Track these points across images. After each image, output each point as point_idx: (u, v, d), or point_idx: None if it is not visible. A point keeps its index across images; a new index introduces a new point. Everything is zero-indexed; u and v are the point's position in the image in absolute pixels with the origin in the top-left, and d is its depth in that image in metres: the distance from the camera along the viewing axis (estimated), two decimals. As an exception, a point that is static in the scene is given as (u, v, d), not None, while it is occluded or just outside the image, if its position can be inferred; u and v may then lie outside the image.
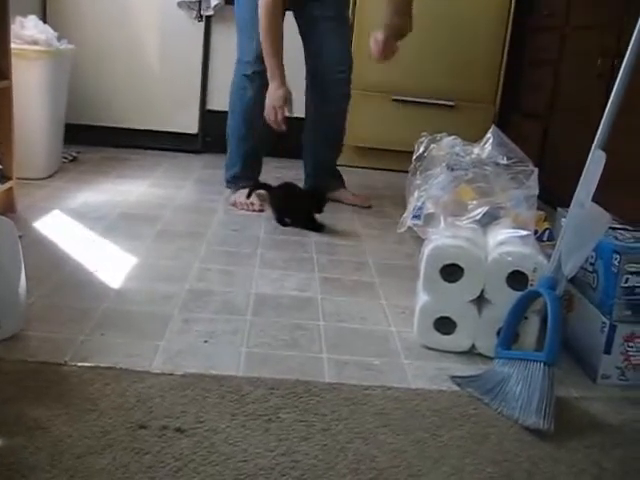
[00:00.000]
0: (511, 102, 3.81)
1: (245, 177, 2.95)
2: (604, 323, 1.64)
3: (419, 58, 3.71)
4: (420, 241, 1.87)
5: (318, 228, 2.58)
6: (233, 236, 2.48)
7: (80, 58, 3.36)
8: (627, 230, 1.74)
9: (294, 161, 3.42)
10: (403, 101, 3.76)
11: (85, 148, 3.52)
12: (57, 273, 1.98)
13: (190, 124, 3.77)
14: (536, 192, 1.76)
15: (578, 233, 1.53)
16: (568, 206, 1.60)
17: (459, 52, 3.74)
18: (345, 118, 3.04)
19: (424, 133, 1.92)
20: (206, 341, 1.65)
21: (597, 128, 1.56)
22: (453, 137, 1.90)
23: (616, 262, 1.62)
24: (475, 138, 1.98)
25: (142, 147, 3.70)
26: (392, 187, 3.43)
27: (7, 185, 2.45)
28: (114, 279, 1.97)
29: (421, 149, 1.89)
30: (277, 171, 3.41)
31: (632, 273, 1.60)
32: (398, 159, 3.64)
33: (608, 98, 1.54)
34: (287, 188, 2.70)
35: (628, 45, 1.51)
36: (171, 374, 1.47)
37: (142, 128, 3.71)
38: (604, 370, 1.66)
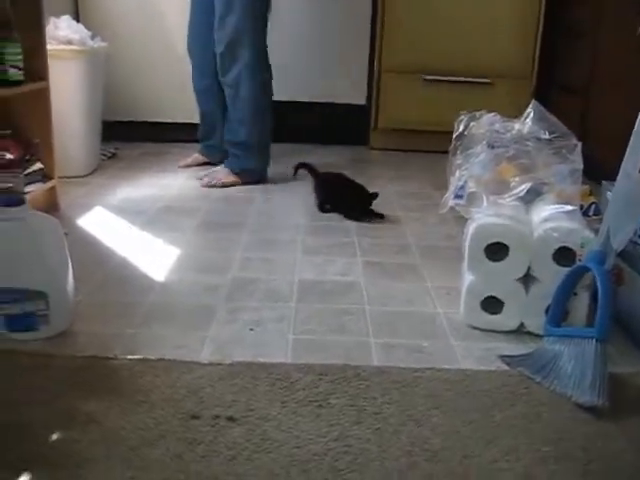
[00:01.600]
0: (549, 76, 3.73)
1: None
2: (656, 296, 1.60)
3: (449, 35, 3.65)
4: (462, 221, 1.84)
5: (377, 216, 2.58)
6: (273, 224, 2.48)
7: (114, 55, 3.38)
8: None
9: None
10: (436, 80, 3.70)
11: (123, 144, 3.55)
12: (102, 269, 2.00)
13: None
14: (580, 166, 1.72)
15: (626, 205, 1.50)
16: (612, 180, 1.56)
17: (491, 27, 3.66)
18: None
19: (463, 111, 1.89)
20: (252, 329, 1.66)
21: (639, 99, 1.51)
22: (493, 114, 1.86)
23: (666, 233, 1.58)
24: (513, 115, 1.94)
25: (180, 140, 3.71)
26: (430, 169, 3.39)
27: (50, 184, 2.48)
28: (158, 272, 1.98)
29: (461, 127, 1.86)
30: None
31: (684, 243, 1.56)
32: (435, 140, 3.59)
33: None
34: (338, 178, 2.71)
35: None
36: (219, 364, 1.48)
37: (179, 121, 3.73)
38: (658, 344, 1.62)
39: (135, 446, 1.20)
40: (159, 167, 3.25)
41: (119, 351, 1.53)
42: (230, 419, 1.28)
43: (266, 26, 2.92)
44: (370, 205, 2.54)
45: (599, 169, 2.10)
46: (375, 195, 2.54)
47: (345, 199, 2.61)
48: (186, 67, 3.60)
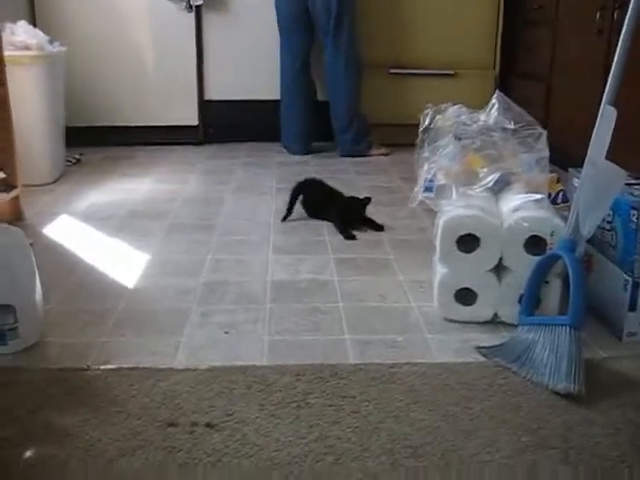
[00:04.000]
0: (511, 65, 3.76)
1: None
2: (626, 281, 1.62)
3: (412, 28, 3.68)
4: (433, 214, 1.84)
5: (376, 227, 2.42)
6: (243, 224, 2.46)
7: (73, 60, 3.33)
8: (642, 185, 1.71)
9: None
10: (401, 74, 3.71)
11: (88, 149, 3.50)
12: (71, 277, 1.97)
13: (190, 116, 3.74)
14: (547, 154, 1.74)
15: (593, 192, 1.51)
16: (578, 166, 1.58)
17: (453, 19, 3.69)
18: None
19: (428, 104, 1.89)
20: (227, 332, 1.64)
21: (602, 85, 1.53)
22: (458, 106, 1.87)
23: (634, 218, 1.59)
24: (479, 105, 1.95)
25: (144, 143, 3.68)
26: (398, 162, 3.40)
27: (13, 193, 2.43)
28: (128, 278, 1.96)
29: (427, 121, 1.86)
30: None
31: (651, 228, 1.58)
32: (402, 133, 3.60)
33: (609, 54, 1.51)
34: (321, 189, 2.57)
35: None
36: (195, 369, 1.46)
37: (142, 125, 3.69)
38: (629, 328, 1.64)
39: (113, 457, 1.18)
40: (124, 171, 3.21)
41: (92, 361, 1.50)
42: (208, 425, 1.27)
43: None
44: (363, 212, 2.41)
45: (564, 156, 2.12)
46: (367, 200, 2.42)
47: (333, 210, 2.44)
48: (145, 69, 3.58)
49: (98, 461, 1.17)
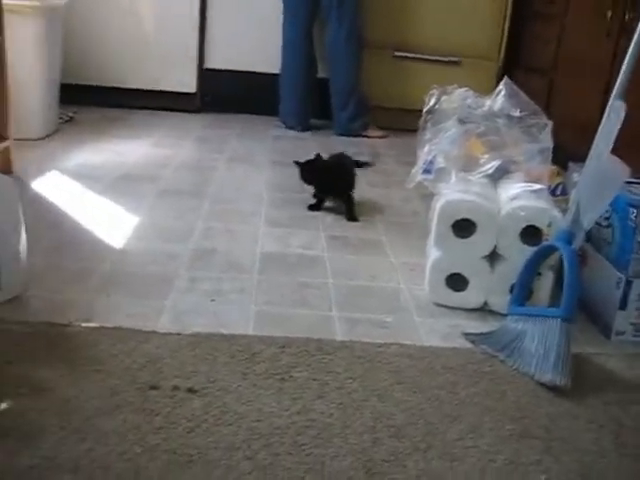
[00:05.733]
0: (515, 57, 3.73)
1: None
2: (620, 279, 1.61)
3: (420, 12, 3.63)
4: (427, 199, 1.82)
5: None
6: (236, 194, 2.43)
7: (73, 15, 3.26)
8: (641, 184, 1.70)
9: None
10: (405, 57, 3.67)
11: (82, 108, 3.43)
12: (57, 233, 1.93)
13: (188, 83, 3.68)
14: (550, 145, 1.72)
15: (597, 185, 1.49)
16: (578, 161, 1.55)
17: (461, 6, 3.64)
18: None
19: (435, 85, 1.86)
20: (213, 300, 1.62)
21: (606, 84, 1.50)
22: (465, 89, 1.84)
23: (633, 216, 1.57)
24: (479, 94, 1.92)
25: (140, 107, 3.62)
26: (395, 145, 3.37)
27: (3, 145, 2.38)
28: (116, 239, 1.92)
29: (432, 101, 1.83)
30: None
31: (650, 227, 1.56)
32: (400, 117, 3.58)
33: (616, 54, 1.48)
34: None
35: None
36: (179, 334, 1.44)
37: (139, 88, 3.62)
38: (618, 326, 1.63)
39: (90, 416, 1.15)
40: (119, 133, 3.16)
41: (74, 318, 1.47)
42: (190, 390, 1.25)
43: None
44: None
45: (563, 151, 2.10)
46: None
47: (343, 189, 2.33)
48: (146, 32, 3.52)
49: (74, 418, 1.14)
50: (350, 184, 2.29)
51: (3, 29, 2.33)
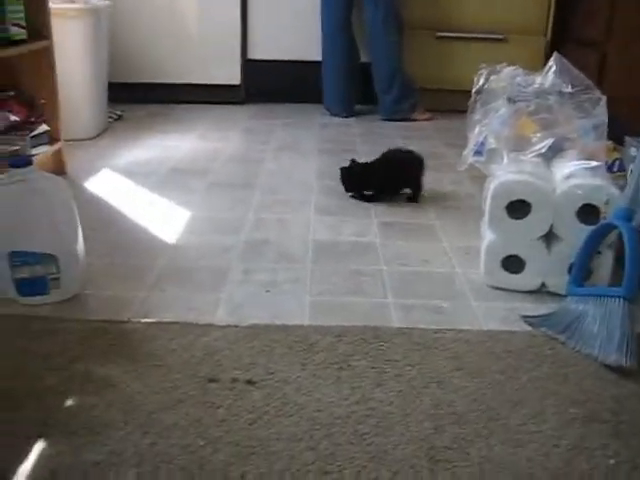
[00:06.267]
0: (564, 31, 3.63)
1: None
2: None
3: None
4: (478, 181, 1.79)
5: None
6: (285, 184, 2.43)
7: (118, 15, 3.31)
8: None
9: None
10: (448, 37, 3.61)
11: (129, 106, 3.48)
12: (112, 232, 1.96)
13: (232, 75, 3.69)
14: (605, 120, 1.67)
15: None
16: (633, 135, 1.50)
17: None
18: None
19: (483, 65, 1.82)
20: (268, 291, 1.62)
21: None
22: (514, 67, 1.79)
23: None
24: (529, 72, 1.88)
25: (185, 101, 3.65)
26: (443, 128, 3.32)
27: (56, 147, 2.43)
28: (169, 234, 1.94)
29: (480, 81, 1.79)
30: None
31: None
32: (448, 98, 3.53)
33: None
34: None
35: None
36: (236, 326, 1.45)
37: (184, 82, 3.66)
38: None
39: (153, 411, 1.17)
40: (166, 128, 3.19)
41: (132, 314, 1.49)
42: (249, 382, 1.25)
43: None
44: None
45: (619, 126, 2.04)
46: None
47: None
48: (189, 26, 3.54)
49: (138, 413, 1.16)
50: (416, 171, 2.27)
51: (51, 33, 2.37)
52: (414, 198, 2.26)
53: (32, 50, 2.28)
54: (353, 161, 2.28)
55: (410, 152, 2.29)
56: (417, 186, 2.26)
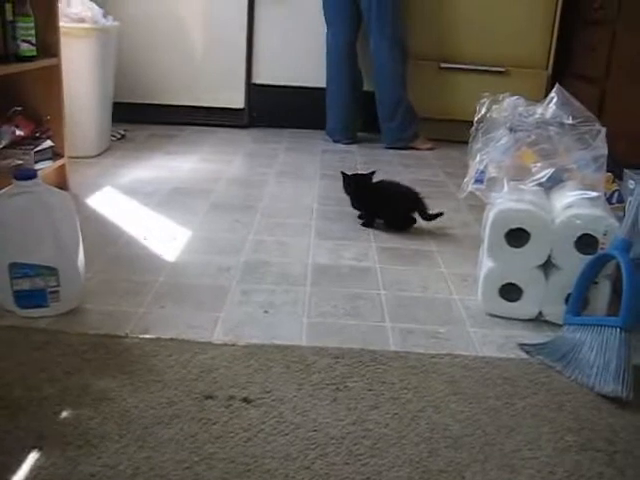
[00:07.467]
0: (565, 66, 3.68)
1: None
2: (680, 287, 1.56)
3: (466, 22, 3.62)
4: (476, 209, 1.81)
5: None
6: (286, 208, 2.44)
7: (126, 36, 3.35)
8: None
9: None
10: (451, 69, 3.66)
11: (133, 126, 3.51)
12: (112, 248, 1.97)
13: (236, 99, 3.74)
14: (605, 152, 1.68)
15: (654, 192, 1.46)
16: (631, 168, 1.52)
17: (507, 15, 3.62)
18: None
19: (486, 94, 1.85)
20: (266, 311, 1.63)
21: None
22: (516, 97, 1.81)
23: (693, 222, 1.53)
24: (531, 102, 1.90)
25: (189, 123, 3.69)
26: (444, 157, 3.35)
27: (59, 162, 2.45)
28: (169, 252, 1.95)
29: (482, 110, 1.81)
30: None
31: None
32: (449, 128, 3.57)
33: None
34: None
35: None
36: (234, 345, 1.45)
37: (188, 104, 3.70)
38: (681, 336, 1.58)
39: (148, 425, 1.17)
40: (169, 149, 3.22)
41: (131, 330, 1.50)
42: (245, 400, 1.25)
43: None
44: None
45: (617, 162, 2.06)
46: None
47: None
48: (195, 50, 3.58)
49: (133, 427, 1.16)
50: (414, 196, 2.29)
51: (60, 51, 2.40)
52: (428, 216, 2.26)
53: (41, 67, 2.31)
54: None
55: (402, 187, 2.31)
56: (396, 221, 2.28)
